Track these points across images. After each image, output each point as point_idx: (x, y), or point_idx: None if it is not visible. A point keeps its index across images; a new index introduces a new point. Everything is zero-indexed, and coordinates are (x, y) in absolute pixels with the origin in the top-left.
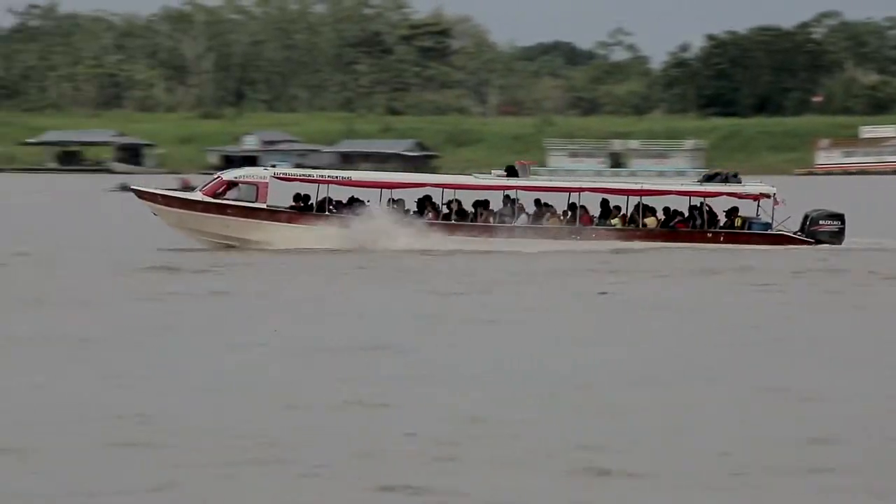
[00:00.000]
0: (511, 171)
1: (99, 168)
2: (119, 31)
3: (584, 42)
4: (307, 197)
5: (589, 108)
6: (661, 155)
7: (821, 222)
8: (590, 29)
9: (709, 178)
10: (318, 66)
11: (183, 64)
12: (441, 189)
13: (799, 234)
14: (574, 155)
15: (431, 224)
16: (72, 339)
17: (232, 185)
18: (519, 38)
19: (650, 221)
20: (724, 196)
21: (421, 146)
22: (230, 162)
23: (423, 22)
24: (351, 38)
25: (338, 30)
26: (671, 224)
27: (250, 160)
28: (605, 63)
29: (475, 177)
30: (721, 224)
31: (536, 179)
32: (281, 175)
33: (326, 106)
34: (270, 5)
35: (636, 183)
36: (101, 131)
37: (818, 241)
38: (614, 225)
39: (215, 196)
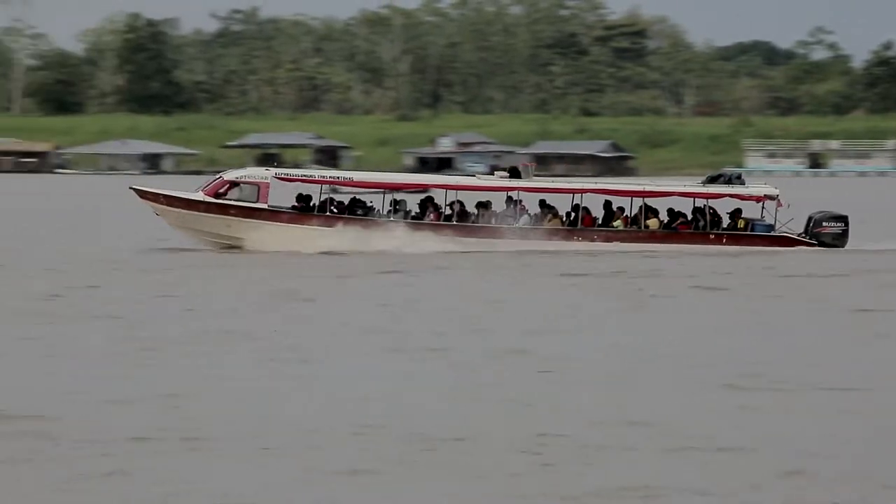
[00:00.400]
0: (514, 173)
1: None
2: (318, 34)
3: (783, 41)
4: (309, 197)
5: (788, 108)
6: (863, 155)
7: (824, 224)
8: (789, 28)
9: (712, 180)
10: (513, 67)
11: (380, 66)
12: (443, 190)
13: (803, 235)
14: (772, 156)
15: (436, 225)
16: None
17: (233, 185)
18: (716, 38)
19: (652, 223)
20: (728, 198)
21: (616, 147)
22: (425, 164)
23: (618, 23)
24: (546, 39)
25: (533, 31)
26: (673, 226)
27: (445, 162)
28: (804, 62)
29: (477, 178)
30: (724, 226)
31: (538, 181)
32: (283, 175)
33: (521, 107)
34: (467, 7)
35: (638, 184)
36: (299, 134)
37: (821, 243)
38: (616, 227)
39: (217, 196)
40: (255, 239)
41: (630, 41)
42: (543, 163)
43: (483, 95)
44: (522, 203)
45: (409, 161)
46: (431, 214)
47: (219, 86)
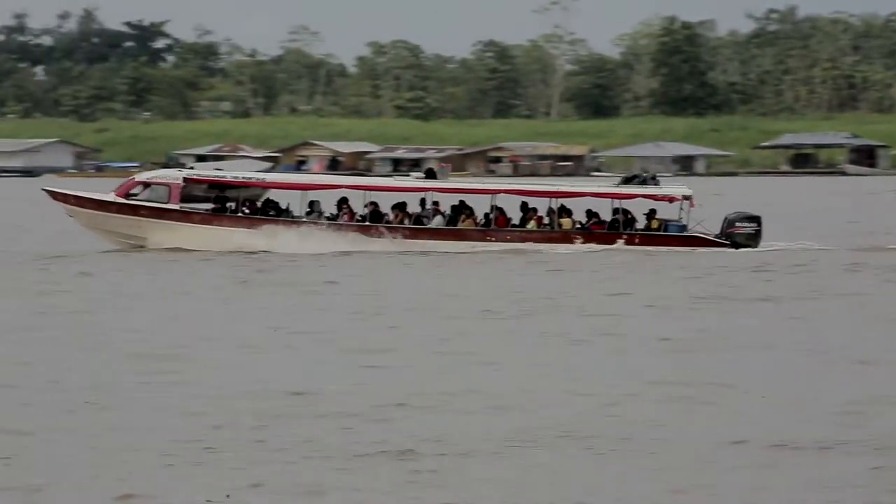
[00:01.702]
0: (429, 174)
1: (831, 170)
2: (856, 32)
3: None
4: (224, 199)
5: None
6: None
7: (737, 224)
8: None
9: (627, 181)
10: None
11: None
12: (359, 191)
13: (719, 236)
14: None
15: (346, 226)
16: None
17: (145, 186)
18: None
19: (565, 223)
20: (641, 198)
21: None
22: None
23: None
24: None
25: None
26: (587, 226)
27: None
28: None
29: (394, 179)
30: (639, 226)
31: (454, 182)
32: (194, 177)
33: None
34: None
35: (554, 185)
36: (834, 133)
37: (734, 244)
38: (529, 227)
39: (127, 197)
40: (165, 240)
41: None
42: None
43: None
44: (437, 204)
45: None
46: (345, 215)
47: (753, 86)
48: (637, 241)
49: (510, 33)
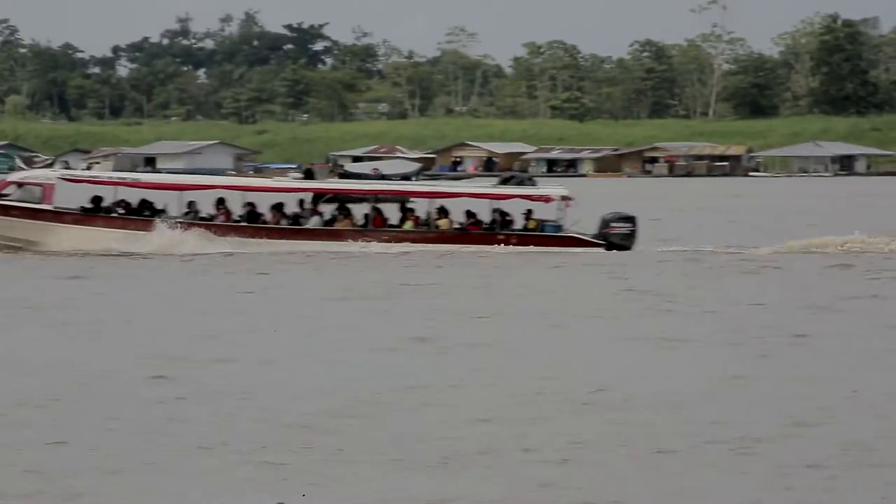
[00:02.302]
0: (308, 174)
1: None
2: None
3: None
4: (100, 199)
5: None
6: None
7: (612, 225)
8: None
9: (504, 181)
10: None
11: None
12: (237, 191)
13: (596, 236)
14: None
15: (220, 227)
16: None
17: (18, 186)
18: None
19: (443, 224)
20: (518, 199)
21: None
22: None
23: None
24: None
25: None
26: (465, 226)
27: None
28: None
29: (272, 179)
30: (517, 227)
31: (333, 182)
32: (68, 177)
33: None
34: None
35: (431, 186)
36: None
37: (610, 244)
38: (406, 227)
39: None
40: (39, 240)
41: None
42: None
43: None
44: (316, 205)
45: None
46: (222, 216)
47: None
48: (514, 241)
49: (667, 33)
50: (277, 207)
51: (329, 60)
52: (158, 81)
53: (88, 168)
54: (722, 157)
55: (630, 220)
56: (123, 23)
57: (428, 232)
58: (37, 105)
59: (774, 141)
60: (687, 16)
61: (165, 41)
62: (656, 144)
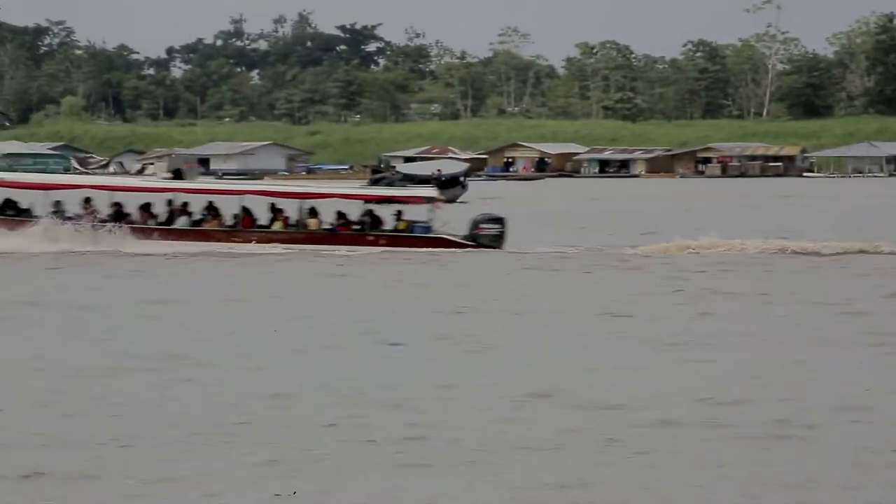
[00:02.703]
0: (177, 174)
1: None
2: None
3: None
4: None
5: None
6: None
7: (481, 226)
8: None
9: (375, 182)
10: None
11: None
12: (104, 191)
13: (466, 237)
14: None
15: (88, 226)
16: None
17: None
18: None
19: (312, 224)
20: (388, 200)
21: None
22: None
23: None
24: None
25: None
26: (334, 227)
27: None
28: None
29: (140, 179)
30: (387, 228)
31: (201, 182)
32: None
33: None
34: None
35: (302, 186)
36: None
37: (479, 245)
38: (275, 228)
39: None
40: None
41: None
42: None
43: None
44: (185, 205)
45: None
46: (89, 215)
47: None
48: (383, 242)
49: (721, 33)
50: (145, 207)
51: (382, 61)
52: (212, 82)
53: (142, 169)
54: (775, 158)
55: (499, 221)
56: (178, 24)
57: (297, 233)
58: (92, 106)
59: (828, 141)
60: (741, 15)
61: (219, 42)
62: (709, 145)
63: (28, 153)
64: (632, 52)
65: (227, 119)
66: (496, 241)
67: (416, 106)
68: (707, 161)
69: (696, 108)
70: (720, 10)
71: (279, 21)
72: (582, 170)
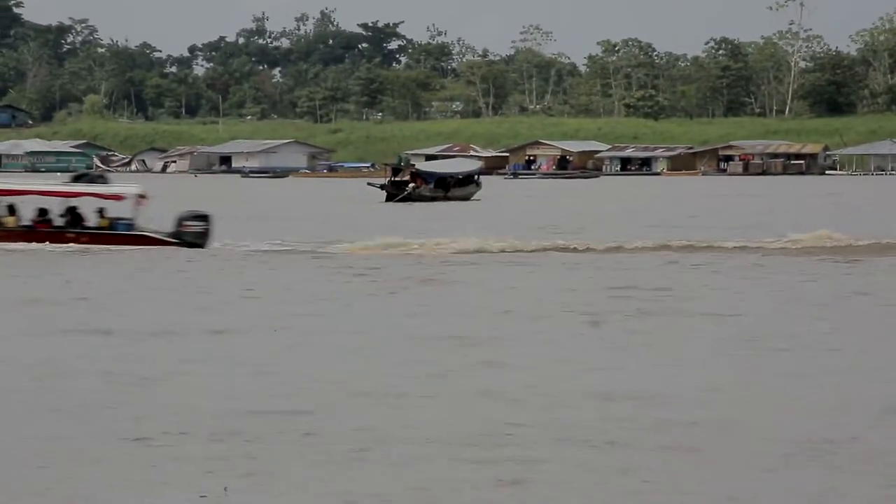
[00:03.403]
0: None
1: None
2: None
3: None
4: None
5: None
6: None
7: (185, 223)
8: None
9: (77, 179)
10: None
11: None
12: None
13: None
14: None
15: None
16: None
17: None
18: None
19: (9, 221)
20: (89, 196)
21: None
22: None
23: None
24: None
25: None
26: (34, 224)
27: None
28: None
29: None
30: (89, 225)
31: None
32: None
33: None
34: None
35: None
36: None
37: (184, 242)
38: None
39: None
40: None
41: None
42: None
43: None
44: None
45: None
46: None
47: None
48: (84, 239)
49: (743, 31)
50: None
51: (403, 59)
52: (234, 80)
53: (165, 167)
54: (798, 156)
55: (204, 218)
56: (200, 22)
57: None
58: (114, 104)
59: (852, 139)
60: (764, 13)
61: (241, 40)
62: (731, 143)
63: (50, 151)
64: (654, 50)
65: (248, 117)
66: (200, 239)
67: (438, 104)
68: (729, 159)
69: (718, 106)
70: (743, 7)
71: (301, 19)
72: (604, 168)
